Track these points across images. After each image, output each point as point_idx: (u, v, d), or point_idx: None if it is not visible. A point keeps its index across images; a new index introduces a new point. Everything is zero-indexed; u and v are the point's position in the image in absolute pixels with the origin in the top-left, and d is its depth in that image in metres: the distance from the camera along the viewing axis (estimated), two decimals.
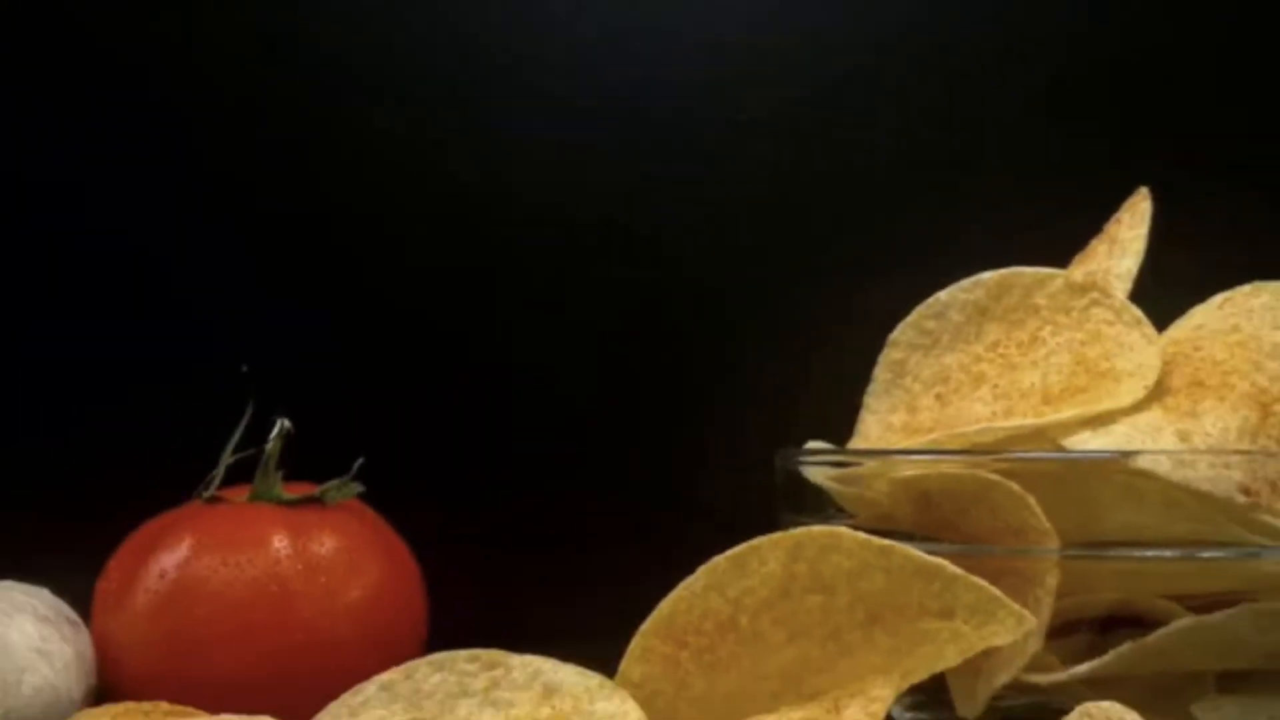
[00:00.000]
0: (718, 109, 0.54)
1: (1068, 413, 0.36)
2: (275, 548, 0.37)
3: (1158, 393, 0.36)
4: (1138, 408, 0.36)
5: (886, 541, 0.30)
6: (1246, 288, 0.39)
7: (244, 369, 0.40)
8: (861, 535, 0.30)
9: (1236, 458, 0.34)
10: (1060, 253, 0.41)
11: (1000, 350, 0.38)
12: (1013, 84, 0.53)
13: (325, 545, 0.37)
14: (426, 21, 0.54)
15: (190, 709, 0.32)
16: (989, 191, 0.52)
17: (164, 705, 0.32)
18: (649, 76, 0.55)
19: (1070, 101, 0.53)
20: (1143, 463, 0.34)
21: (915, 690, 0.32)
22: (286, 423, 0.39)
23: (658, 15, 0.54)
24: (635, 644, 0.32)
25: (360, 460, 0.39)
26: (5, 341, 0.54)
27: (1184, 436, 0.35)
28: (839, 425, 0.41)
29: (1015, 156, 0.53)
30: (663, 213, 0.54)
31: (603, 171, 0.54)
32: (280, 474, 0.39)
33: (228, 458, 0.39)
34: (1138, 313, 0.38)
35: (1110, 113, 0.53)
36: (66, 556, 0.39)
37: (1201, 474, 0.34)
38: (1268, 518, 0.34)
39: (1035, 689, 0.35)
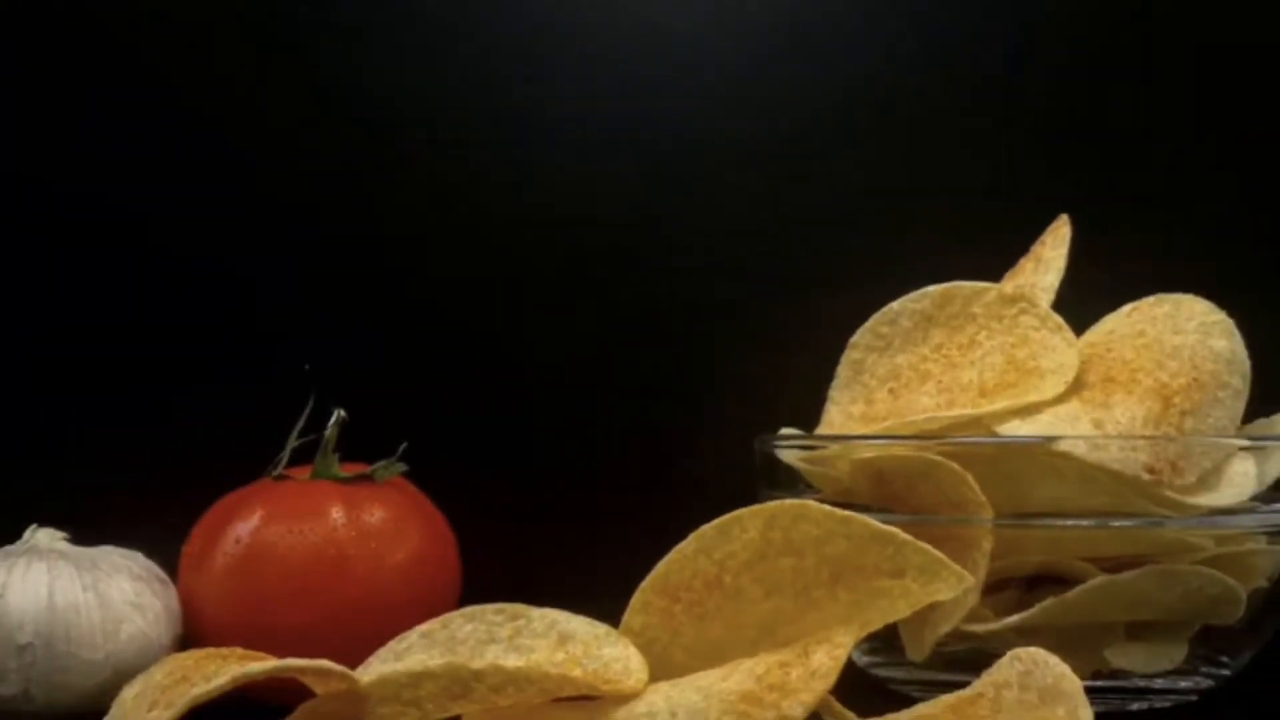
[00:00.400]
0: (708, 147, 0.54)
1: (1000, 404, 0.36)
2: (333, 518, 0.37)
3: (1076, 387, 0.36)
4: (1059, 400, 0.36)
5: (847, 512, 0.30)
6: (1151, 299, 0.39)
7: (306, 368, 0.40)
8: (826, 507, 0.30)
9: (1142, 442, 0.34)
10: (994, 269, 0.41)
11: (943, 351, 0.38)
12: (956, 127, 0.53)
13: (375, 516, 0.37)
14: (463, 74, 0.54)
15: (261, 654, 0.32)
16: (935, 217, 0.52)
17: (239, 651, 0.32)
18: (650, 120, 0.54)
19: (1003, 143, 0.53)
20: (1063, 446, 0.34)
21: (872, 638, 0.32)
22: (342, 413, 0.39)
23: (657, 69, 0.54)
24: (635, 599, 0.32)
25: (404, 444, 0.39)
26: (108, 349, 0.54)
27: (1098, 424, 0.35)
28: (808, 415, 0.41)
29: (957, 188, 0.53)
30: (661, 235, 0.54)
31: (609, 199, 0.54)
32: (337, 456, 0.39)
33: (293, 442, 0.39)
34: (1059, 320, 0.38)
35: (1036, 152, 0.53)
36: (157, 525, 0.39)
37: (1113, 455, 0.34)
38: (1168, 493, 0.34)
39: (973, 636, 0.35)
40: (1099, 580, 0.34)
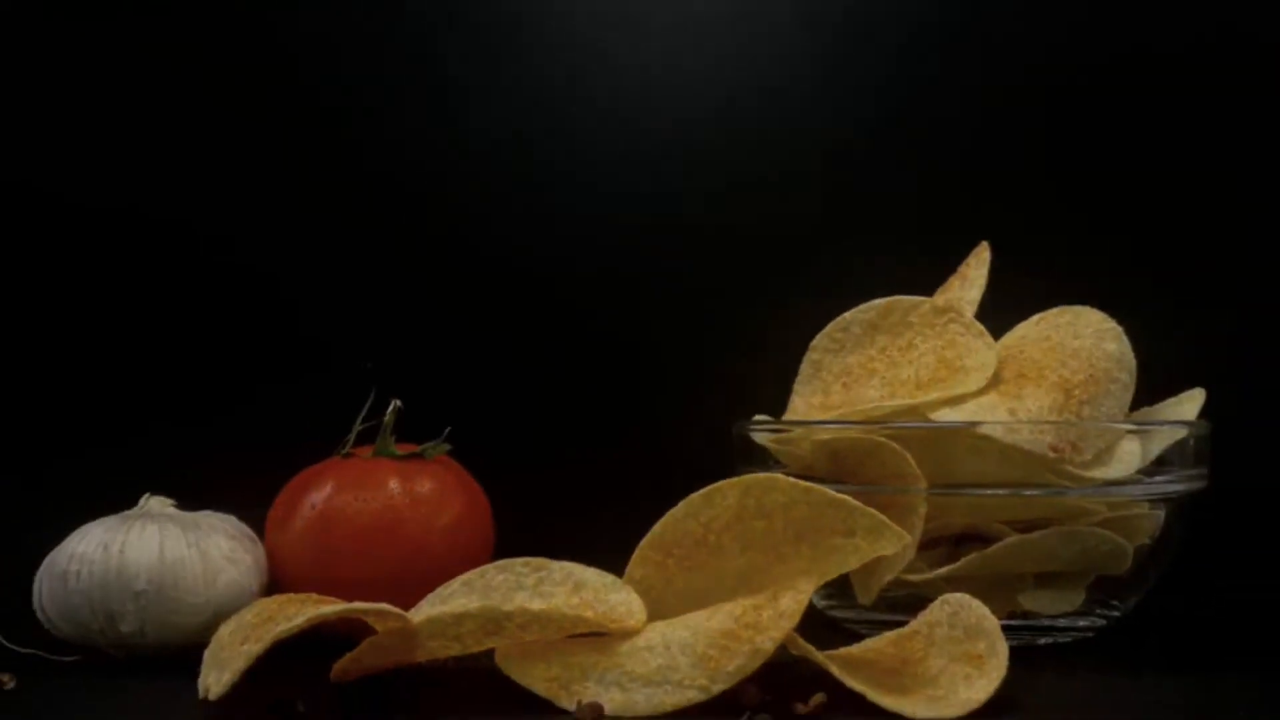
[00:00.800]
0: (695, 188, 0.54)
1: (933, 395, 0.36)
2: (390, 488, 0.37)
3: (994, 382, 0.36)
4: (981, 393, 0.36)
5: (809, 484, 0.30)
6: (1055, 310, 0.39)
7: (368, 366, 0.40)
8: (792, 479, 0.30)
9: (1048, 426, 0.34)
10: (927, 286, 0.41)
11: (887, 353, 0.38)
12: (897, 172, 0.53)
13: (425, 486, 0.37)
14: (508, 127, 0.54)
15: (332, 599, 0.32)
16: (879, 244, 0.51)
17: (314, 596, 0.32)
18: (651, 167, 0.54)
19: (935, 183, 0.53)
20: (984, 430, 0.34)
21: (828, 585, 0.32)
22: (398, 402, 0.39)
23: (659, 126, 0.54)
24: (636, 554, 0.32)
25: (449, 429, 0.39)
26: (207, 349, 0.54)
27: (1012, 412, 0.35)
28: (777, 405, 0.41)
29: (897, 220, 0.53)
30: (658, 259, 0.53)
31: (616, 230, 0.54)
32: (394, 437, 0.39)
33: (358, 426, 0.39)
34: (981, 327, 0.38)
35: (961, 191, 0.53)
36: (248, 494, 0.39)
37: (1024, 437, 0.34)
38: (1069, 468, 0.34)
39: (910, 584, 0.35)
40: (1013, 539, 0.34)
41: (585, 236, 0.54)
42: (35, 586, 0.35)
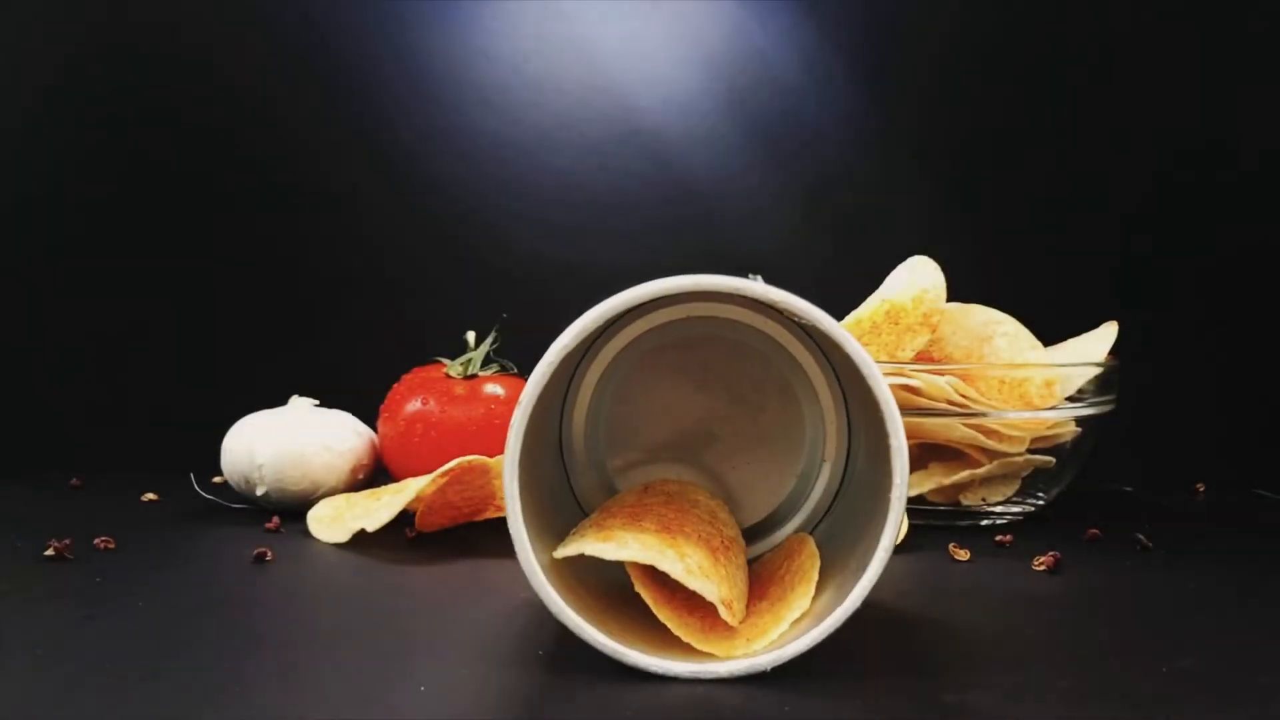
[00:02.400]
0: (679, 216, 0.57)
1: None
2: (458, 401, 0.42)
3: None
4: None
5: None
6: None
7: (504, 315, 0.45)
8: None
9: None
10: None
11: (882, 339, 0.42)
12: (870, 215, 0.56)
13: (479, 403, 0.42)
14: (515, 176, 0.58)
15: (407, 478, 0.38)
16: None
17: (410, 480, 0.39)
18: (645, 197, 0.57)
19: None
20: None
21: None
22: (490, 339, 0.44)
23: (651, 163, 0.57)
24: None
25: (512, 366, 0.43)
26: (348, 292, 0.57)
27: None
28: None
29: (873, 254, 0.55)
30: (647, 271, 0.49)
31: (612, 249, 0.57)
32: (479, 362, 0.44)
33: (473, 354, 0.43)
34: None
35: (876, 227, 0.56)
36: (366, 398, 0.44)
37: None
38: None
39: None
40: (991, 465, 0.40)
41: (588, 257, 0.56)
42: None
